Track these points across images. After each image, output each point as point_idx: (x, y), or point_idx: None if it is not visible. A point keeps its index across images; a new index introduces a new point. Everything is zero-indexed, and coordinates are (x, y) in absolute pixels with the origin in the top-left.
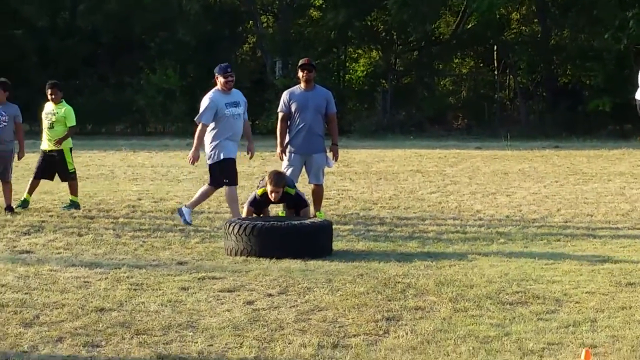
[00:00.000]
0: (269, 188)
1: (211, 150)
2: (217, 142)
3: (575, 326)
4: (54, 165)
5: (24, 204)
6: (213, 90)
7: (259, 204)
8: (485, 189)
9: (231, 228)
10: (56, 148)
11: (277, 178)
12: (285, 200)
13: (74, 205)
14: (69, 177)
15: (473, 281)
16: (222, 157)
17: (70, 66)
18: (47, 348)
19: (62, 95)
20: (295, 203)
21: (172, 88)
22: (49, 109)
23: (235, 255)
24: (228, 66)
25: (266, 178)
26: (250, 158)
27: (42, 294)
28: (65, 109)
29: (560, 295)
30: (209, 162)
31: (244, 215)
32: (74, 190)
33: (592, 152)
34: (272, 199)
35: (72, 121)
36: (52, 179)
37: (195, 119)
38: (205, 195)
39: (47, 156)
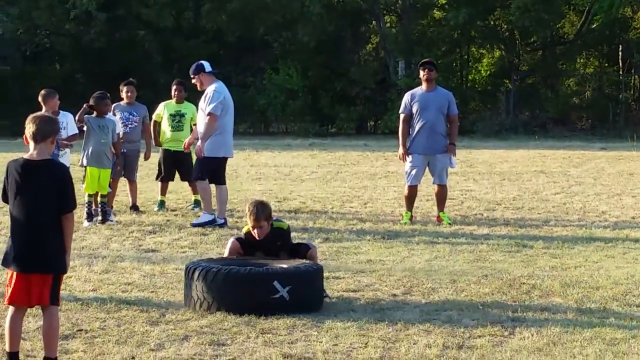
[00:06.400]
0: (249, 223)
1: None
2: None
3: None
4: (175, 165)
5: (161, 205)
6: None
7: (247, 244)
8: (610, 190)
9: (191, 273)
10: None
11: (258, 209)
12: (277, 239)
13: (199, 204)
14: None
15: (599, 283)
16: None
17: None
18: (173, 346)
19: (185, 95)
20: (291, 247)
21: (295, 88)
22: (173, 110)
23: (200, 307)
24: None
25: (246, 211)
26: None
27: (168, 292)
28: (193, 109)
29: None
30: None
31: (225, 251)
32: (196, 189)
33: None
34: (257, 237)
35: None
36: (173, 179)
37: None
38: None
39: (169, 155)
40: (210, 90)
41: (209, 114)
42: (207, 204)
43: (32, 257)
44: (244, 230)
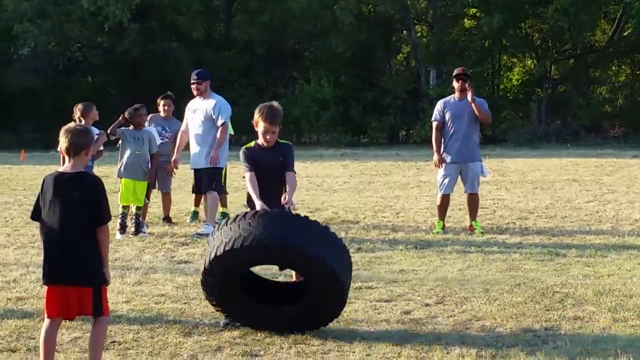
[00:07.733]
0: (260, 127)
1: None
2: None
3: None
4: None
5: (194, 216)
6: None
7: (251, 159)
8: None
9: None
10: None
11: (272, 110)
12: (279, 153)
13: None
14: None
15: (632, 291)
16: None
17: (226, 78)
18: (207, 357)
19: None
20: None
21: (326, 98)
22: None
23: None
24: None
25: (256, 115)
26: None
27: (201, 303)
28: None
29: None
30: None
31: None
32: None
33: None
34: (265, 143)
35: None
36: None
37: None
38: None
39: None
40: (219, 100)
41: (223, 123)
42: (212, 215)
43: (69, 270)
44: (247, 144)
